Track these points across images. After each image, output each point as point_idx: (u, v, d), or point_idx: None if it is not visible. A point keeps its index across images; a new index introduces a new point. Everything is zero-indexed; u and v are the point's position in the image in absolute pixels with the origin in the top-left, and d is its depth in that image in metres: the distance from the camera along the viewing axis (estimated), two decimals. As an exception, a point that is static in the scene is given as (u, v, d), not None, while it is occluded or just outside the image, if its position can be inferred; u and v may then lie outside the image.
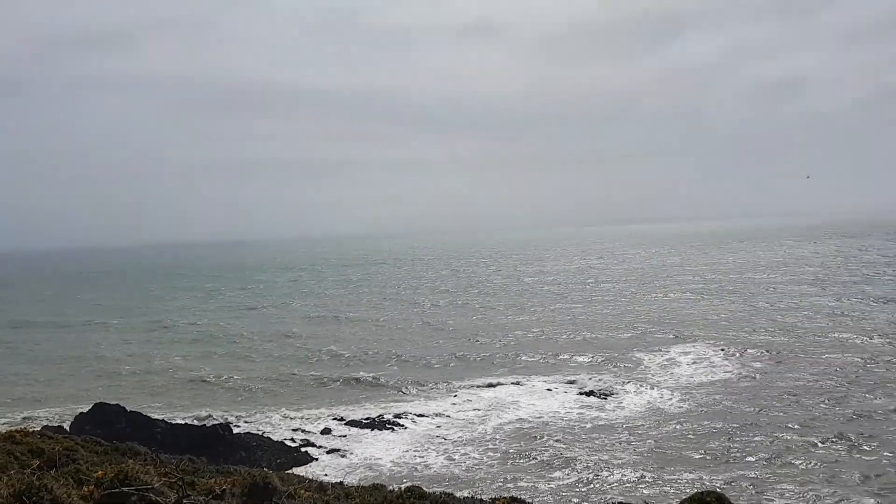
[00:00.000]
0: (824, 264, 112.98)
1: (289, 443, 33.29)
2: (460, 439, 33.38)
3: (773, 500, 24.72)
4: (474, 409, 38.07)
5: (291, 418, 37.83)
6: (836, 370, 41.95)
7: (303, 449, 32.65)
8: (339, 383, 45.87)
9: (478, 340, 59.48)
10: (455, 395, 41.25)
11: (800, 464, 27.80)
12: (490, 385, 43.21)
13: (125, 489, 8.45)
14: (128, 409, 33.91)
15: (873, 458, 27.99)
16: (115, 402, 34.65)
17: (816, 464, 27.67)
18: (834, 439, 30.06)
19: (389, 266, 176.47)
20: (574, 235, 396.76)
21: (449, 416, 37.02)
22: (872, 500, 24.09)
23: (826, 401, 36.01)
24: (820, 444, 29.63)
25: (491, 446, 32.18)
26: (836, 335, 52.66)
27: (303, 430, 35.67)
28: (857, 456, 28.27)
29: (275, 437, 33.87)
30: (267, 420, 37.77)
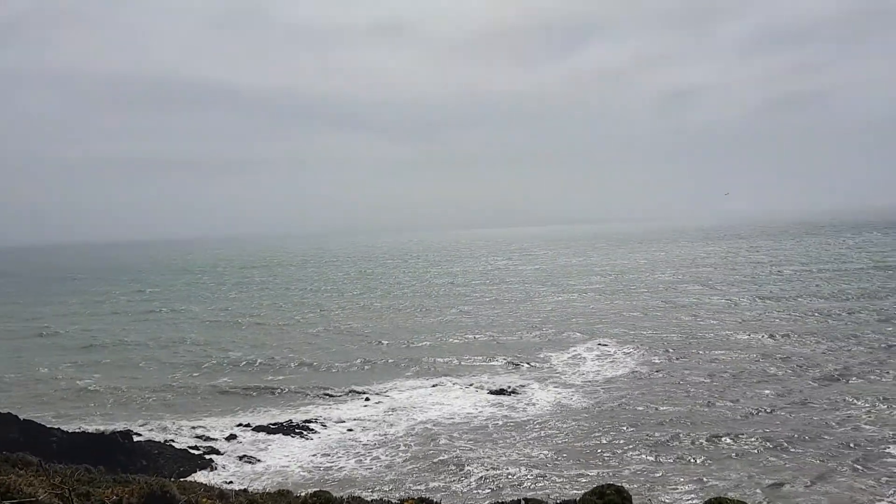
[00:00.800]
0: (716, 264, 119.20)
1: (192, 450, 31.96)
2: (370, 442, 33.02)
3: (668, 493, 25.73)
4: (384, 412, 37.77)
5: (193, 427, 36.34)
6: (729, 365, 44.22)
7: (207, 456, 31.43)
8: (242, 390, 44.43)
9: (386, 343, 59.09)
10: (366, 399, 40.79)
11: (693, 457, 29.07)
12: (399, 388, 43.03)
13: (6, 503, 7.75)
14: (20, 417, 31.69)
15: (759, 450, 29.60)
16: (5, 411, 32.25)
17: (707, 457, 28.98)
18: (725, 433, 31.60)
19: (295, 268, 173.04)
20: (485, 236, 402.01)
21: (359, 420, 36.56)
22: (759, 491, 25.46)
23: (718, 395, 37.90)
24: (711, 438, 31.04)
25: (402, 448, 31.99)
26: (727, 332, 55.53)
27: (207, 438, 34.33)
28: (746, 447, 29.84)
29: (177, 445, 32.46)
30: (167, 428, 36.13)
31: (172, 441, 33.31)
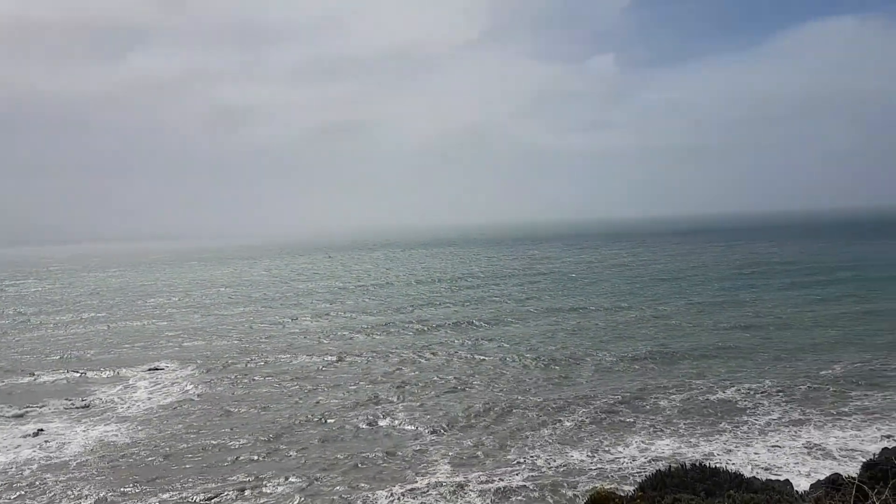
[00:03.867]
0: (283, 279, 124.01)
1: None
2: None
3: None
4: None
5: None
6: (297, 379, 46.62)
7: None
8: None
9: None
10: None
11: (245, 475, 30.03)
12: None
13: None
14: None
15: (315, 452, 32.03)
16: None
17: (285, 484, 30.26)
18: (297, 450, 33.35)
19: None
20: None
21: None
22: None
23: (288, 409, 39.69)
24: (271, 449, 32.50)
25: None
26: (292, 344, 58.36)
27: None
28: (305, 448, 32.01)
29: None
30: None
31: None
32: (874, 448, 28.63)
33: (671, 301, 76.92)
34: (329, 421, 36.94)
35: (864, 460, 22.91)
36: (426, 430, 34.76)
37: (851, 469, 25.14)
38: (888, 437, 31.28)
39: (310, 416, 37.75)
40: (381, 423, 36.34)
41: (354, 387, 43.93)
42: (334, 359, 52.57)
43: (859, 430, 32.52)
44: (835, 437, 31.70)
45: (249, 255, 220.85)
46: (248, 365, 51.28)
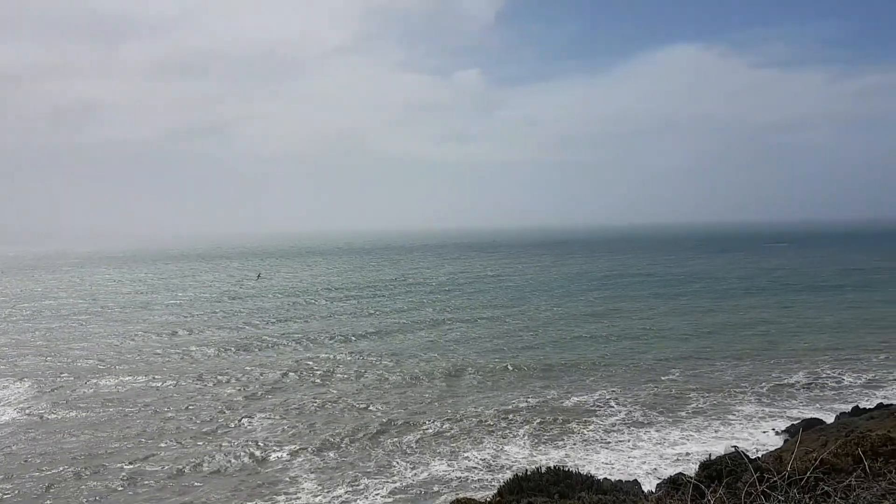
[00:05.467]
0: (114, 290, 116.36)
1: None
2: None
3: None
4: None
5: None
6: (117, 399, 43.80)
7: None
8: None
9: None
10: None
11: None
12: None
13: None
14: None
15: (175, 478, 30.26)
16: None
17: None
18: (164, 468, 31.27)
19: None
20: None
21: None
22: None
23: (144, 428, 37.17)
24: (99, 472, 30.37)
25: None
26: (114, 364, 54.85)
27: None
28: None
29: None
30: None
31: None
32: (712, 449, 31.03)
33: (517, 312, 79.78)
34: (183, 441, 35.06)
35: (700, 460, 24.75)
36: (283, 450, 33.85)
37: (693, 469, 27.05)
38: (721, 438, 34.01)
39: (158, 443, 35.60)
40: (236, 441, 34.97)
41: (204, 409, 42.00)
42: (191, 379, 50.08)
43: (698, 432, 35.15)
44: (674, 438, 34.06)
45: (83, 263, 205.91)
46: (74, 385, 47.71)
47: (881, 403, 35.73)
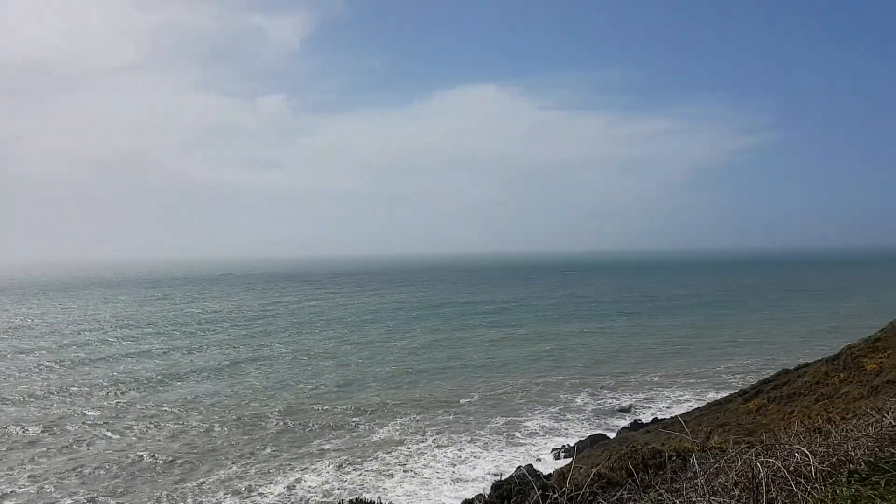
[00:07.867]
0: None
1: None
2: None
3: None
4: None
5: None
6: None
7: None
8: None
9: None
10: None
11: None
12: None
13: None
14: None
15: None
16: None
17: None
18: None
19: None
20: None
21: None
22: None
23: None
24: None
25: None
26: None
27: None
28: None
29: None
30: None
31: None
32: (505, 469, 31.85)
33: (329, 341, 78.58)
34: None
35: (493, 481, 25.25)
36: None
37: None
38: (516, 459, 35.10)
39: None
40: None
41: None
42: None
43: (501, 451, 35.99)
44: (481, 460, 34.62)
45: None
46: None
47: (656, 418, 38.94)
